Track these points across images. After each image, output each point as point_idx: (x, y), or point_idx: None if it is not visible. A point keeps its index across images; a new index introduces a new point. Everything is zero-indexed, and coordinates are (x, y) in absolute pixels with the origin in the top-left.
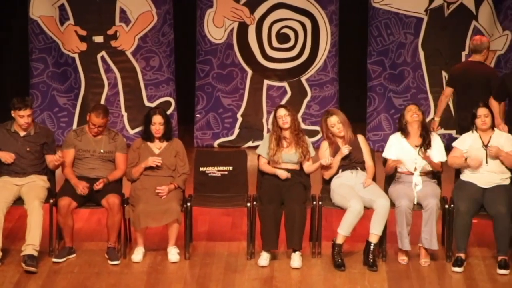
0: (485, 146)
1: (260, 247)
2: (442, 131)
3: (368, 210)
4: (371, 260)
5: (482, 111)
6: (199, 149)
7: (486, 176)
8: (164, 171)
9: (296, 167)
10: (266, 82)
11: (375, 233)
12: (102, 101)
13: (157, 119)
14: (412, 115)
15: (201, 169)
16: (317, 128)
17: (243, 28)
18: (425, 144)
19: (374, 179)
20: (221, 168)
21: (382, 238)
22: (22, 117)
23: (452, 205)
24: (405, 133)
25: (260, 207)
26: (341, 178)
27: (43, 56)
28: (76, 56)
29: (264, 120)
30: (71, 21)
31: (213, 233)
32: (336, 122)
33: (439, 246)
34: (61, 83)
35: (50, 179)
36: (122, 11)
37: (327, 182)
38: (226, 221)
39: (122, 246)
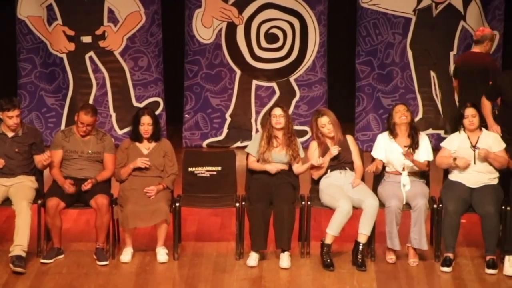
0: (473, 147)
1: (249, 247)
2: (430, 131)
3: (356, 210)
4: (360, 260)
5: (469, 111)
6: (188, 149)
7: (475, 176)
8: (153, 172)
9: (285, 167)
10: (254, 82)
11: (364, 233)
12: (91, 101)
13: (146, 120)
14: (400, 116)
15: (189, 169)
16: (306, 128)
17: (231, 28)
18: (414, 144)
19: (362, 179)
20: (209, 168)
21: (371, 238)
22: (11, 118)
23: (440, 205)
24: (393, 133)
25: (249, 206)
26: (329, 178)
27: (31, 56)
28: (64, 56)
29: (252, 120)
30: (59, 21)
31: (202, 233)
32: (327, 123)
33: (428, 246)
34: (49, 83)
35: (38, 179)
36: (110, 11)
37: (315, 182)
38: (214, 221)
39: (110, 246)
